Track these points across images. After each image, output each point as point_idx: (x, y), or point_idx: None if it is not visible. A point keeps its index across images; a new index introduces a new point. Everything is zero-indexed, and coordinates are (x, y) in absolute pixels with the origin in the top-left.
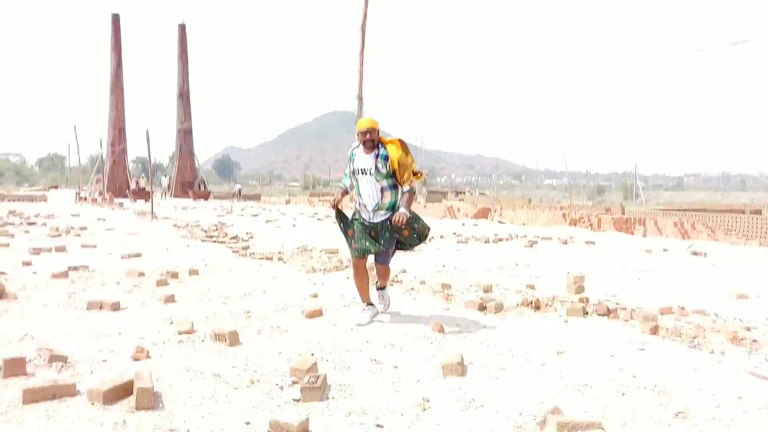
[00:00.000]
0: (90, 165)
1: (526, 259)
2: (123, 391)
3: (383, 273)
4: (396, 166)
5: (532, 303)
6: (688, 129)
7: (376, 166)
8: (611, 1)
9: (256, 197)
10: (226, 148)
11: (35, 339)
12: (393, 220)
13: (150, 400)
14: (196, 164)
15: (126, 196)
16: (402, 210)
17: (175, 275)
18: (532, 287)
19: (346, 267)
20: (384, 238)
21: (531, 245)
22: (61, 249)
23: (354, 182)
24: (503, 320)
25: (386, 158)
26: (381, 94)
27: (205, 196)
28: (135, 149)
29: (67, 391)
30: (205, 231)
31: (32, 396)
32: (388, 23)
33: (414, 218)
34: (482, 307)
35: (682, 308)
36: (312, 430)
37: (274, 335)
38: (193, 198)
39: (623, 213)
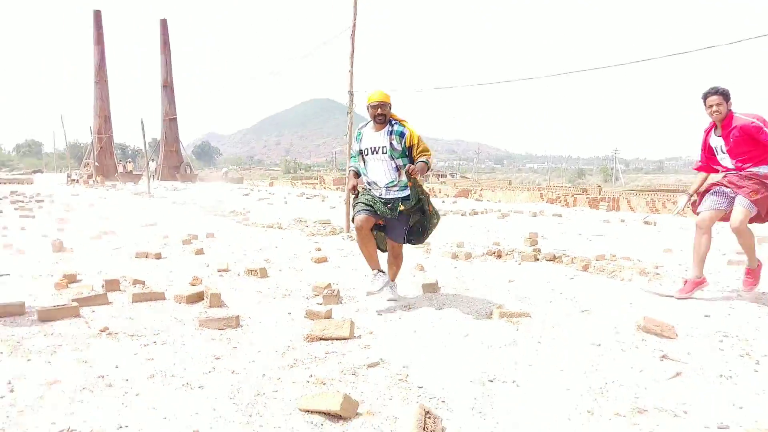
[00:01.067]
0: (69, 151)
1: (497, 226)
2: (197, 297)
3: (396, 254)
4: (416, 141)
5: (495, 253)
6: (669, 114)
7: (391, 144)
8: None
9: (239, 180)
10: (206, 135)
11: (108, 273)
12: (408, 169)
13: (219, 301)
14: (182, 150)
15: (115, 180)
16: (421, 162)
17: (195, 237)
18: (498, 244)
19: (340, 231)
20: (398, 212)
21: (503, 217)
22: (81, 221)
23: (362, 163)
24: (471, 264)
25: (402, 135)
26: (366, 83)
27: (192, 178)
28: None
29: (159, 296)
30: (203, 207)
31: (138, 298)
32: (373, 13)
33: (426, 200)
34: (455, 256)
35: (613, 255)
36: (333, 316)
37: (293, 272)
38: (180, 180)
39: (599, 193)
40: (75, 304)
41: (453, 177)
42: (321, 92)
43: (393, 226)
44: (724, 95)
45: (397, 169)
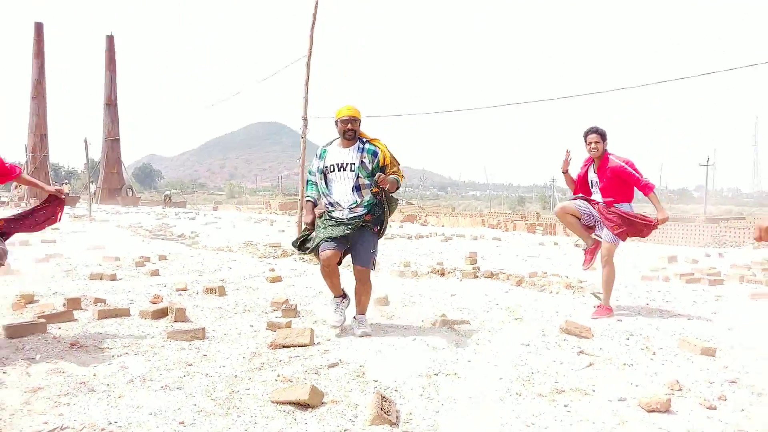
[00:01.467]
0: None
1: (440, 248)
2: (162, 313)
3: (363, 281)
4: (389, 161)
5: (438, 271)
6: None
7: (361, 161)
8: (527, 15)
9: (181, 204)
10: (148, 156)
11: (66, 293)
12: (378, 177)
13: (184, 316)
14: (123, 171)
15: (48, 201)
16: (389, 177)
17: (147, 259)
18: (441, 263)
19: (292, 254)
20: (364, 236)
21: (446, 240)
22: (25, 243)
23: (321, 182)
24: (417, 281)
25: (375, 154)
26: (318, 109)
27: (135, 202)
28: (55, 156)
29: (124, 313)
30: (150, 231)
31: (103, 314)
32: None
33: (382, 216)
34: (402, 274)
35: (545, 272)
36: (293, 326)
37: (249, 291)
38: (121, 204)
39: (537, 219)
40: (43, 320)
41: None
42: (268, 115)
43: (357, 250)
44: (602, 135)
45: (360, 188)
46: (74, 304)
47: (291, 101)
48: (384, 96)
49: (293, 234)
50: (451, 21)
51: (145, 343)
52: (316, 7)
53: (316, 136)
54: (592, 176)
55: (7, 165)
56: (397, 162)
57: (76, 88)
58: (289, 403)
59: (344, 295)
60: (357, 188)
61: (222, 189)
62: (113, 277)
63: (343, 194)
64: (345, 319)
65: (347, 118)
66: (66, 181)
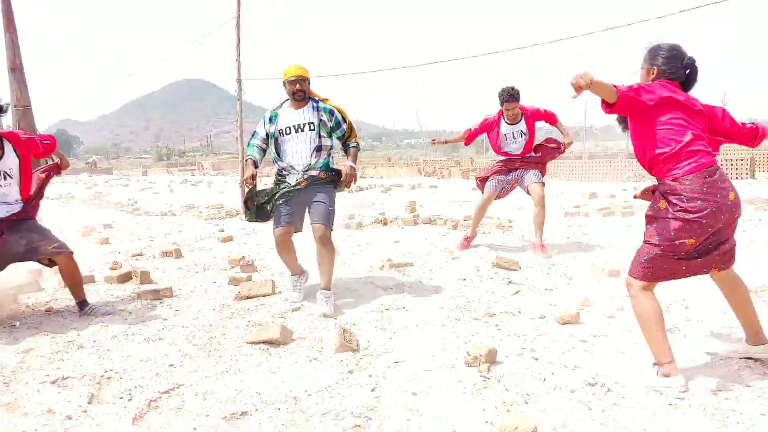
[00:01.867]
0: None
1: (381, 199)
2: (126, 277)
3: (324, 243)
4: (348, 120)
5: (381, 221)
6: (546, 88)
7: (320, 120)
8: None
9: (108, 170)
10: (62, 122)
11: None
12: (344, 175)
13: (148, 279)
14: None
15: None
16: (350, 164)
17: (92, 228)
18: (383, 213)
19: (237, 214)
20: (321, 193)
21: (386, 191)
22: None
23: (274, 145)
24: (362, 231)
25: (332, 112)
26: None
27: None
28: None
29: (90, 279)
30: (84, 201)
31: None
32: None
33: (337, 175)
34: (347, 226)
35: None
36: (253, 279)
37: (204, 251)
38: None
39: (471, 165)
40: (11, 291)
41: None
42: (191, 72)
43: (314, 208)
44: (518, 98)
45: (320, 149)
46: (37, 274)
47: (217, 58)
48: (316, 53)
49: (233, 195)
50: None
51: (117, 305)
52: None
53: (251, 96)
54: (510, 129)
55: (38, 142)
56: (352, 125)
57: None
58: (263, 342)
59: (301, 272)
60: (318, 149)
61: (149, 152)
62: None
63: (299, 156)
64: (303, 296)
65: (295, 78)
66: None
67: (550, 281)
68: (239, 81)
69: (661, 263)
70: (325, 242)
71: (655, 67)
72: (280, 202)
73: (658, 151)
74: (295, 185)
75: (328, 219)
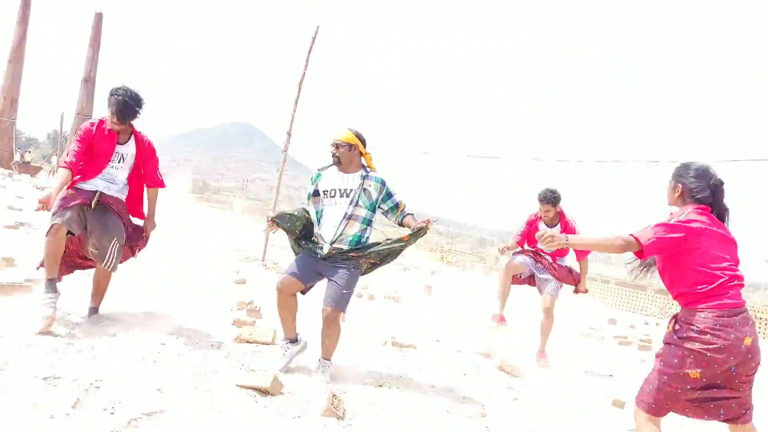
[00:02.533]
0: None
1: (398, 277)
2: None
3: (328, 324)
4: (396, 192)
5: (394, 298)
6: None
7: (364, 189)
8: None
9: None
10: None
11: None
12: (421, 221)
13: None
14: None
15: (10, 168)
16: (419, 221)
17: None
18: (396, 291)
19: (255, 260)
20: (340, 272)
21: (404, 270)
22: None
23: (312, 208)
24: (372, 303)
25: (383, 183)
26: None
27: None
28: (23, 124)
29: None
30: None
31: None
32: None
33: (370, 254)
34: (359, 296)
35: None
36: (257, 325)
37: (216, 290)
38: None
39: (496, 264)
40: (29, 283)
41: None
42: (239, 115)
43: (330, 288)
44: (554, 203)
45: (351, 218)
46: None
47: (267, 104)
48: (373, 126)
49: (257, 241)
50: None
51: (126, 321)
52: (316, 32)
53: (295, 151)
54: (548, 229)
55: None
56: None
57: (56, 61)
58: (252, 388)
59: (296, 338)
60: (348, 217)
61: (186, 181)
62: None
63: (331, 224)
64: (290, 364)
65: (335, 141)
66: (29, 149)
67: (548, 399)
68: (289, 134)
69: (666, 398)
70: (329, 324)
71: (680, 185)
72: (302, 253)
73: (688, 290)
74: (322, 256)
75: (341, 303)
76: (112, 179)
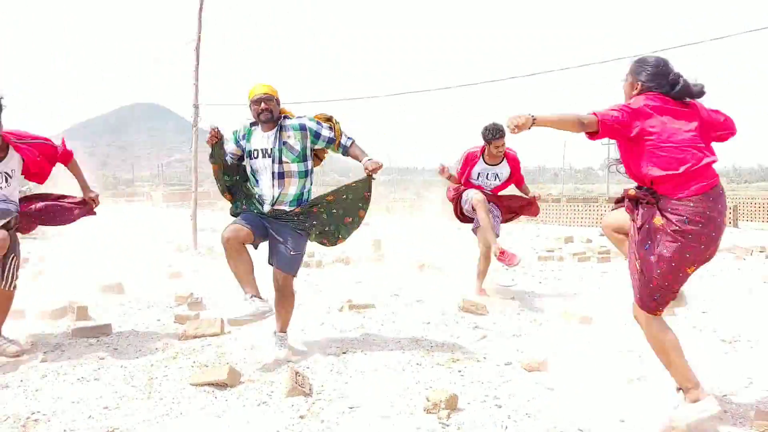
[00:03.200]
0: None
1: None
2: (61, 313)
3: (282, 291)
4: (337, 131)
5: (343, 260)
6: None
7: (284, 143)
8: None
9: None
10: None
11: None
12: (367, 167)
13: (86, 314)
14: None
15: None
16: (366, 158)
17: (25, 260)
18: (345, 252)
19: (186, 249)
20: (284, 231)
21: None
22: None
23: (249, 169)
24: (322, 269)
25: (302, 127)
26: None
27: None
28: None
29: (20, 314)
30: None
31: None
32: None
33: (313, 216)
34: (306, 264)
35: (446, 257)
36: (201, 318)
37: (149, 287)
38: None
39: (443, 205)
40: None
41: None
42: (144, 96)
43: (277, 250)
44: (504, 134)
45: (283, 176)
46: None
47: (173, 80)
48: (280, 78)
49: (185, 229)
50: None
51: (50, 341)
52: None
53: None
54: (486, 170)
55: (57, 146)
56: (338, 126)
57: None
58: (208, 384)
59: (259, 297)
60: (280, 176)
61: (93, 181)
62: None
63: (266, 186)
64: (246, 318)
65: (259, 96)
66: None
67: (518, 327)
68: (196, 106)
69: (666, 294)
70: (284, 292)
71: (639, 83)
72: (244, 208)
73: (660, 173)
74: (263, 214)
75: (291, 266)
76: (7, 200)
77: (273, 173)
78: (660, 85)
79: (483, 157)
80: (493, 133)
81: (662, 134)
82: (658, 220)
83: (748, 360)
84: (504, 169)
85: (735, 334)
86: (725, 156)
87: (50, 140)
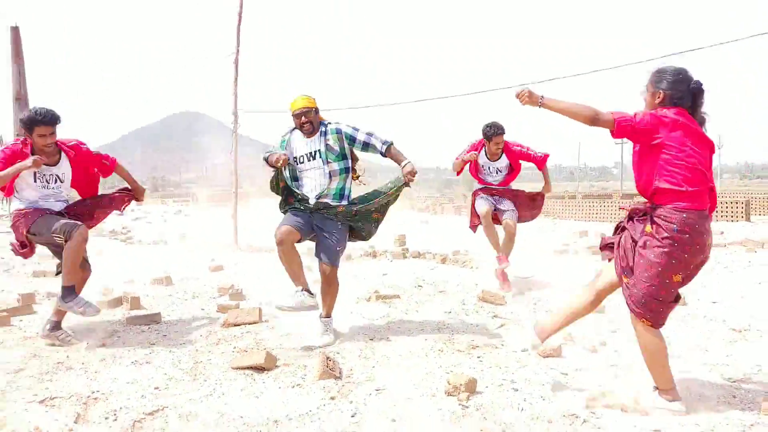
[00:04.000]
0: None
1: None
2: (117, 302)
3: (329, 281)
4: (359, 127)
5: (371, 254)
6: (534, 126)
7: (326, 145)
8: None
9: None
10: None
11: (10, 290)
12: (405, 171)
13: (138, 304)
14: None
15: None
16: (405, 161)
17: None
18: (372, 246)
19: (228, 246)
20: (330, 226)
21: None
22: None
23: (289, 175)
24: (352, 262)
25: (338, 131)
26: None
27: None
28: None
29: None
30: None
31: None
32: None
33: (357, 211)
34: None
35: (466, 251)
36: (241, 307)
37: (194, 279)
38: None
39: (465, 201)
40: (5, 313)
41: None
42: (183, 105)
43: (322, 244)
44: (503, 132)
45: (330, 176)
46: (29, 299)
47: (210, 89)
48: (317, 87)
49: (227, 227)
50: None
51: (107, 328)
52: (241, 6)
53: (248, 129)
54: (487, 164)
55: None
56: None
57: None
58: (248, 367)
59: (309, 291)
60: (327, 175)
61: (144, 183)
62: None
63: (312, 184)
64: (294, 309)
65: (300, 111)
66: None
67: (534, 316)
68: (235, 114)
69: (661, 308)
70: (329, 282)
71: (660, 91)
72: (292, 209)
73: (666, 186)
74: (309, 209)
75: (336, 258)
76: (59, 198)
77: (319, 172)
78: (681, 94)
79: (485, 152)
80: (493, 131)
81: (681, 152)
82: (649, 228)
83: (758, 348)
84: (503, 163)
85: (745, 323)
86: (739, 152)
87: (101, 155)
